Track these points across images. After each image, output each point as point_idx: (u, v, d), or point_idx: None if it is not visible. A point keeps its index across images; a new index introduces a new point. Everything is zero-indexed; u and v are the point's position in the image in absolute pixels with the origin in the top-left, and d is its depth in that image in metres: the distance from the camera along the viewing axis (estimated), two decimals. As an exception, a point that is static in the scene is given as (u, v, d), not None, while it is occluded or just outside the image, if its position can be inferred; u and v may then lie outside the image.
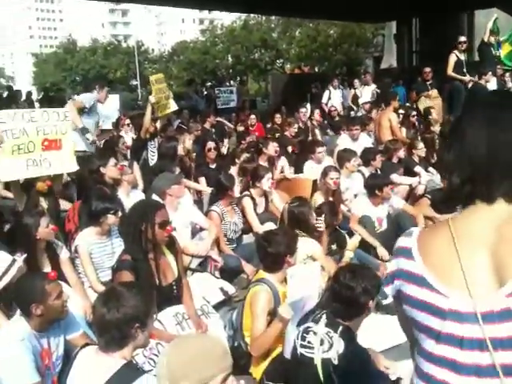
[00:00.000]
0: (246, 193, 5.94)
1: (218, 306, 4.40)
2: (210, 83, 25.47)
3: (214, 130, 10.15)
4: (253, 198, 5.91)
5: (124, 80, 54.28)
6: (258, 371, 3.52)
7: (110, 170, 5.49)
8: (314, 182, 7.04)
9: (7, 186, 5.85)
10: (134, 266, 3.48)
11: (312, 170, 7.09)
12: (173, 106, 7.82)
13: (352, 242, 4.47)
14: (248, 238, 5.83)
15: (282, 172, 7.43)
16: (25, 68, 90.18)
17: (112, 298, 2.50)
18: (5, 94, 17.35)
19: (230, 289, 4.74)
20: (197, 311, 3.87)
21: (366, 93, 12.17)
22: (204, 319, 3.88)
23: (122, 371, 2.43)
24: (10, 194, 4.78)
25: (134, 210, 3.77)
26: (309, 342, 2.94)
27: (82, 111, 7.47)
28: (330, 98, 12.61)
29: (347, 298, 2.93)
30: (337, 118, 11.02)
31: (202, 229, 5.52)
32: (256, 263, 5.35)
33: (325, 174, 6.02)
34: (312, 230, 4.62)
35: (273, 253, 3.54)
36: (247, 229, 5.81)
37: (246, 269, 5.22)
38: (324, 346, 2.87)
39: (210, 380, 1.98)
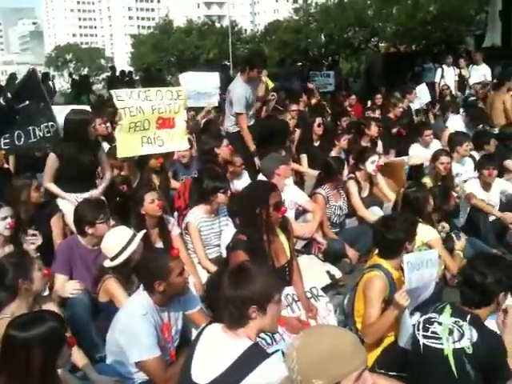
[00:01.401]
0: (351, 176, 5.81)
1: (323, 290, 4.35)
2: (301, 63, 25.10)
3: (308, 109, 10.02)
4: (358, 181, 5.77)
5: (217, 61, 54.99)
6: (369, 358, 3.44)
7: (223, 151, 5.59)
8: (420, 166, 6.78)
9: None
10: (249, 246, 3.50)
11: (418, 153, 6.81)
12: (270, 84, 7.82)
13: (460, 244, 4.26)
14: (351, 222, 5.72)
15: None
16: (123, 49, 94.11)
17: (240, 276, 2.51)
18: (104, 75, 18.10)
19: (337, 273, 4.68)
20: (306, 294, 3.85)
21: (476, 73, 11.48)
22: (313, 302, 3.84)
23: (249, 352, 2.43)
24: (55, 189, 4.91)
25: (249, 191, 3.78)
26: (433, 333, 2.82)
27: None
28: (443, 77, 12.02)
29: (478, 284, 2.79)
30: (448, 98, 10.48)
31: (304, 211, 5.48)
32: (359, 247, 5.26)
33: (435, 157, 5.76)
34: (427, 216, 4.44)
35: (391, 239, 3.42)
36: (350, 212, 5.70)
37: (349, 253, 5.14)
38: (453, 335, 2.75)
39: (345, 378, 1.90)
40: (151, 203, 4.36)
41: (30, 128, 5.30)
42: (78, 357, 2.97)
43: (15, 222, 4.06)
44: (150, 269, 3.09)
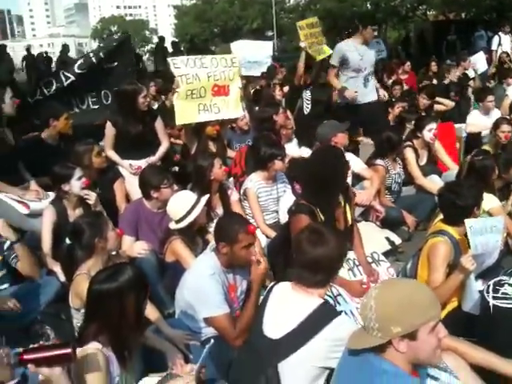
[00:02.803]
0: (409, 143, 5.72)
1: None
2: (347, 32, 24.58)
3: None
4: (415, 149, 5.68)
5: (260, 31, 54.39)
6: (432, 323, 3.46)
7: (280, 118, 5.61)
8: (478, 134, 6.63)
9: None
10: (312, 210, 3.53)
11: (478, 121, 6.63)
12: (327, 51, 7.70)
13: None
14: (408, 190, 5.66)
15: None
16: (166, 20, 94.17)
17: (319, 237, 2.55)
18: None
19: (396, 239, 4.67)
20: (367, 258, 3.87)
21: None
22: (374, 267, 3.86)
23: (320, 309, 2.50)
24: (113, 155, 5.06)
25: (316, 158, 3.79)
26: (504, 294, 2.82)
27: None
28: (500, 44, 11.61)
29: None
30: (506, 66, 10.11)
31: (359, 178, 5.45)
32: (417, 215, 5.22)
33: (496, 126, 5.61)
34: (491, 185, 4.36)
35: (461, 205, 3.38)
36: (407, 180, 5.64)
37: (407, 220, 5.10)
38: (525, 296, 2.74)
39: (421, 326, 1.95)
40: (219, 168, 4.45)
41: (117, 89, 5.46)
42: (150, 311, 3.08)
43: (88, 182, 4.23)
44: (221, 229, 3.16)
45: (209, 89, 5.34)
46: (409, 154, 5.60)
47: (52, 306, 3.50)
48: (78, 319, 3.17)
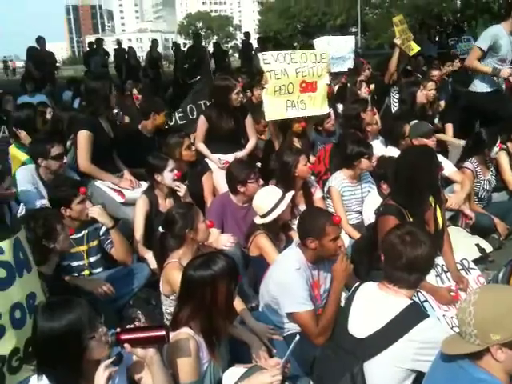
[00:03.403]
0: (502, 147, 5.46)
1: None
2: (437, 28, 23.72)
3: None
4: (509, 153, 5.42)
5: (344, 27, 53.68)
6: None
7: (368, 115, 5.53)
8: None
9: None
10: (401, 212, 3.46)
11: None
12: (415, 48, 7.51)
13: None
14: (500, 196, 5.41)
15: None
16: (250, 16, 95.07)
17: (412, 238, 2.52)
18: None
19: (487, 246, 4.48)
20: (457, 265, 3.75)
21: None
22: (464, 274, 3.74)
23: (408, 310, 2.49)
24: (203, 148, 5.22)
25: (407, 157, 3.71)
26: None
27: None
28: None
29: None
30: None
31: (448, 181, 5.27)
32: (509, 222, 4.99)
33: None
34: None
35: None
36: (500, 186, 5.39)
37: (499, 227, 4.89)
38: None
39: None
40: (304, 165, 4.46)
41: (201, 102, 5.75)
42: (236, 302, 3.14)
43: (180, 174, 4.38)
44: (307, 224, 3.18)
45: (297, 85, 5.35)
46: (502, 157, 5.35)
47: (143, 292, 3.65)
48: (167, 305, 3.30)
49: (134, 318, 3.36)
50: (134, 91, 8.16)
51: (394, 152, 5.16)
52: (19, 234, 2.35)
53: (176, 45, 17.91)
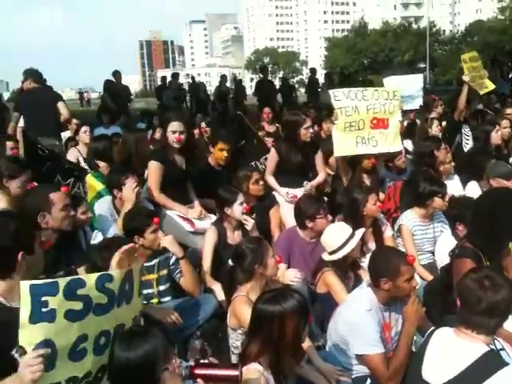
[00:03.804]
0: None
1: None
2: (511, 65, 23.10)
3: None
4: None
5: (411, 63, 53.31)
6: None
7: (441, 153, 5.43)
8: None
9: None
10: (477, 255, 3.33)
11: None
12: (490, 86, 7.34)
13: None
14: None
15: None
16: (317, 52, 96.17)
17: (492, 282, 2.42)
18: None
19: None
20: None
21: None
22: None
23: (485, 357, 2.38)
24: (271, 181, 5.25)
25: (487, 199, 3.59)
26: None
27: None
28: None
29: None
30: None
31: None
32: None
33: None
34: None
35: None
36: None
37: None
38: None
39: None
40: (374, 204, 4.41)
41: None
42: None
43: (249, 208, 4.43)
44: (380, 264, 3.12)
45: (367, 121, 5.33)
46: None
47: (210, 323, 3.67)
48: (234, 339, 3.30)
49: (201, 350, 3.37)
50: (203, 124, 8.40)
51: (473, 191, 5.02)
52: (135, 265, 2.44)
53: (237, 81, 18.33)
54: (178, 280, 3.90)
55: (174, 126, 4.78)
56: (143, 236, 3.78)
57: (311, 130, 5.18)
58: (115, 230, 4.20)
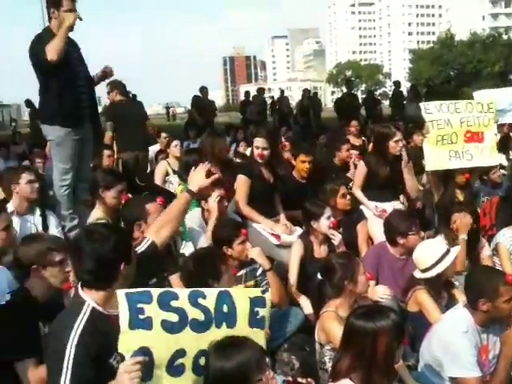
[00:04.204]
0: None
1: None
2: None
3: None
4: None
5: (502, 74, 50.94)
6: None
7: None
8: None
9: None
10: None
11: None
12: None
13: None
14: None
15: None
16: (401, 64, 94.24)
17: None
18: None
19: None
20: None
21: None
22: None
23: None
24: (359, 195, 5.06)
25: None
26: None
27: None
28: None
29: None
30: None
31: None
32: None
33: None
34: None
35: None
36: None
37: None
38: None
39: None
40: (468, 220, 4.24)
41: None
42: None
43: (336, 222, 4.39)
44: (478, 284, 2.98)
45: (461, 135, 5.16)
46: None
47: (298, 337, 3.65)
48: (321, 354, 3.25)
49: (288, 362, 3.36)
50: (283, 139, 8.43)
51: None
52: (232, 290, 2.48)
53: (312, 95, 18.18)
54: (265, 292, 3.90)
55: (258, 141, 4.89)
56: (231, 247, 3.84)
57: (401, 144, 5.06)
58: (204, 240, 4.29)
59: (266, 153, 4.85)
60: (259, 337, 2.45)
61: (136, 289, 2.26)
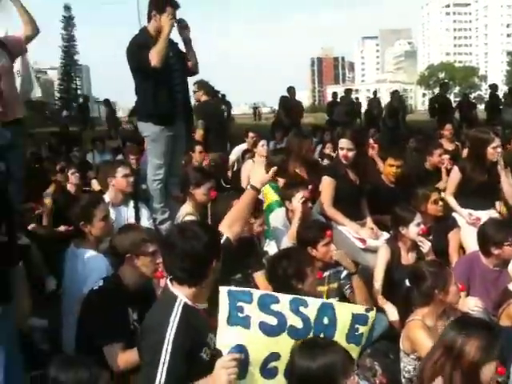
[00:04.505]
0: None
1: None
2: None
3: None
4: None
5: None
6: None
7: None
8: None
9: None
10: None
11: None
12: None
13: None
14: None
15: None
16: (498, 67, 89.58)
17: None
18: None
19: None
20: None
21: None
22: None
23: None
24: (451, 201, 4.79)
25: None
26: None
27: None
28: None
29: None
30: None
31: None
32: None
33: None
34: None
35: None
36: None
37: None
38: None
39: None
40: None
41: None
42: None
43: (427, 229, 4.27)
44: None
45: None
46: None
47: (382, 343, 3.57)
48: (405, 363, 3.17)
49: (371, 368, 3.29)
50: (371, 141, 8.26)
51: None
52: (336, 303, 2.50)
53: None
54: (347, 295, 3.87)
55: (342, 142, 4.83)
56: (316, 248, 3.83)
57: (499, 150, 4.82)
58: (286, 240, 4.31)
59: (350, 154, 4.78)
60: (353, 352, 2.42)
61: (238, 288, 2.32)
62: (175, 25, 4.78)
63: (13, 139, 4.23)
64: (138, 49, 4.76)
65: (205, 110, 7.47)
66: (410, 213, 4.24)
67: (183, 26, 4.89)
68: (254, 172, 3.32)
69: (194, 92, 7.54)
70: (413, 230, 4.18)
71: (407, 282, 3.33)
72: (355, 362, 2.17)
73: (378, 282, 4.10)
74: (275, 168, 3.26)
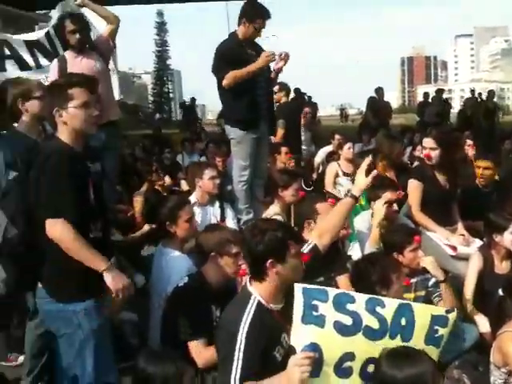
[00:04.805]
0: None
1: None
2: None
3: None
4: None
5: None
6: None
7: None
8: None
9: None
10: None
11: None
12: None
13: None
14: None
15: None
16: None
17: None
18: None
19: None
20: None
21: None
22: None
23: None
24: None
25: None
26: None
27: None
28: None
29: None
30: None
31: None
32: None
33: None
34: None
35: None
36: None
37: None
38: None
39: None
40: None
41: None
42: None
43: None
44: None
45: None
46: None
47: (471, 355, 3.42)
48: (496, 376, 3.03)
49: (459, 380, 3.16)
50: (469, 142, 7.91)
51: None
52: (415, 305, 2.42)
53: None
54: (435, 304, 3.71)
55: (425, 141, 4.72)
56: (402, 253, 3.72)
57: None
58: (368, 244, 4.22)
59: (433, 154, 4.60)
60: (433, 355, 2.33)
61: (313, 285, 2.30)
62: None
63: (107, 141, 4.48)
64: (219, 59, 4.91)
65: (285, 111, 7.52)
66: (505, 220, 4.00)
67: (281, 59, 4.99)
68: (357, 180, 3.28)
69: (275, 93, 7.61)
70: (508, 238, 3.94)
71: (500, 292, 3.16)
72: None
73: (468, 291, 3.91)
74: (375, 172, 3.21)
